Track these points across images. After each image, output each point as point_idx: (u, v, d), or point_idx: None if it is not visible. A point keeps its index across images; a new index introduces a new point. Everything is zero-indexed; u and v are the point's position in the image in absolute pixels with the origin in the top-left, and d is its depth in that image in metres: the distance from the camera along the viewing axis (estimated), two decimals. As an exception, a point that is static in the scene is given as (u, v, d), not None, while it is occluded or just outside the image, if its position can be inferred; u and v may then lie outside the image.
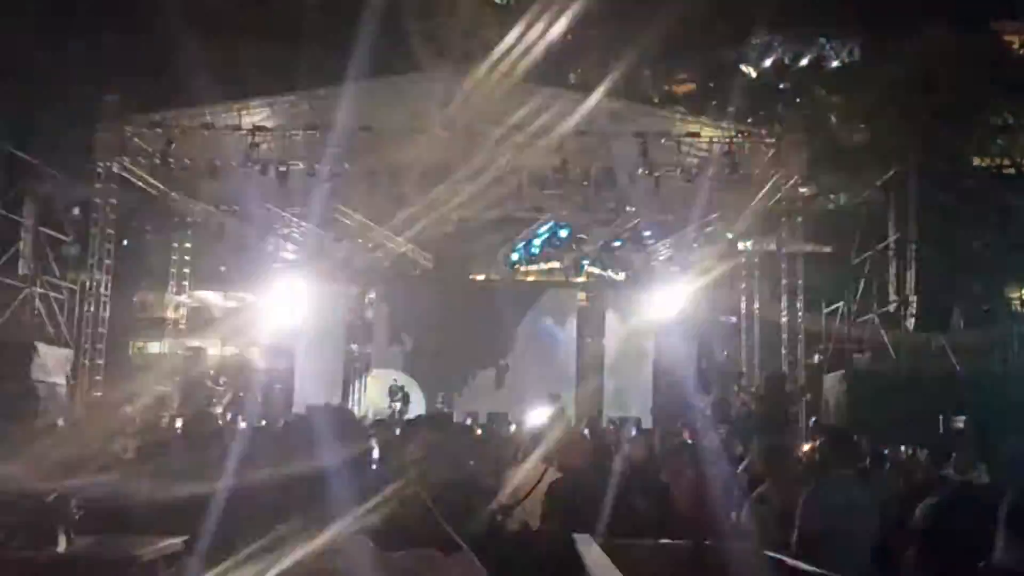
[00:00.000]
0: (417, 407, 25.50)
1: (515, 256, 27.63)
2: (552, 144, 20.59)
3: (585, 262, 27.40)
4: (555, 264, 30.64)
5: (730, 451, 9.87)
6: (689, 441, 10.49)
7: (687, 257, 25.12)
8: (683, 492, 5.86)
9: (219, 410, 22.00)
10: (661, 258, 26.50)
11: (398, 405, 24.47)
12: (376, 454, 5.64)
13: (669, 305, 27.15)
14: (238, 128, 20.78)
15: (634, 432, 17.97)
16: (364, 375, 27.05)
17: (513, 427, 19.95)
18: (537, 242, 27.22)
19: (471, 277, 32.21)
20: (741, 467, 8.24)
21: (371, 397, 26.21)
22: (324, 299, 28.88)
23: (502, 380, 28.24)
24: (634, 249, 26.16)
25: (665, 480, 6.35)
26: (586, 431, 13.93)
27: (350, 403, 27.47)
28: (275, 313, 29.59)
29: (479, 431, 16.66)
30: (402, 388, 25.43)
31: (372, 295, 30.49)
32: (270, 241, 27.71)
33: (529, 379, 27.86)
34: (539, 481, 6.14)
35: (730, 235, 23.87)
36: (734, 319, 27.44)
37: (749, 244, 26.07)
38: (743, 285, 26.91)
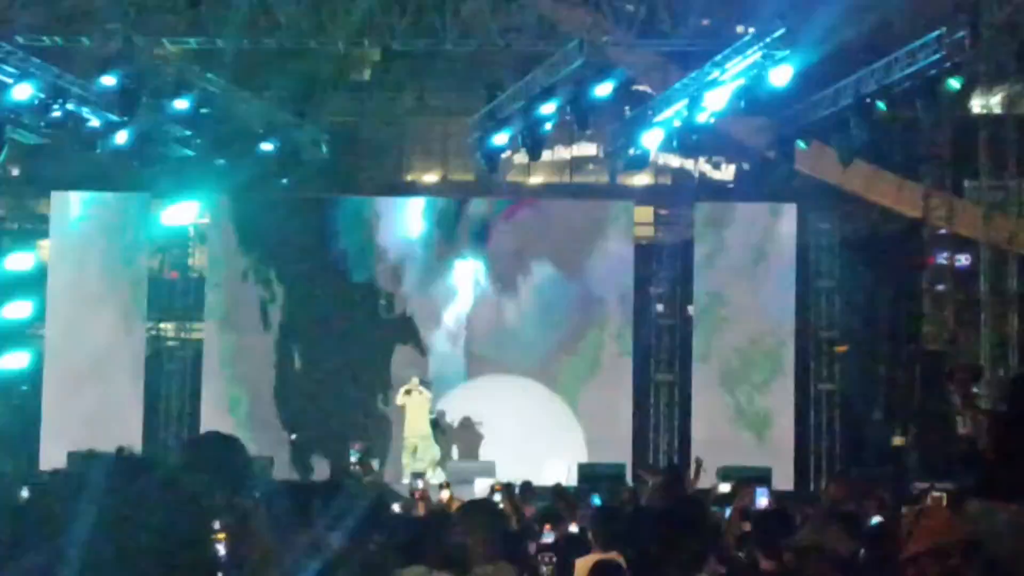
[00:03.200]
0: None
1: (500, 136, 26.99)
2: None
3: (648, 143, 26.75)
4: (587, 150, 30.04)
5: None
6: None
7: (862, 127, 24.47)
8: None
9: None
10: (808, 128, 25.84)
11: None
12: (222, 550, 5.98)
13: (825, 231, 26.48)
14: None
15: (764, 499, 17.44)
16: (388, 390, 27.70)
17: (487, 484, 19.92)
18: (548, 106, 26.53)
19: (406, 179, 31.49)
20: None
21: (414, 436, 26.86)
22: (95, 223, 28.23)
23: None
24: (752, 112, 25.65)
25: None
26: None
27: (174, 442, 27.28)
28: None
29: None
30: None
31: (204, 217, 29.81)
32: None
33: (522, 378, 27.75)
34: None
35: (956, 83, 23.18)
36: (965, 258, 27.02)
37: (996, 100, 25.46)
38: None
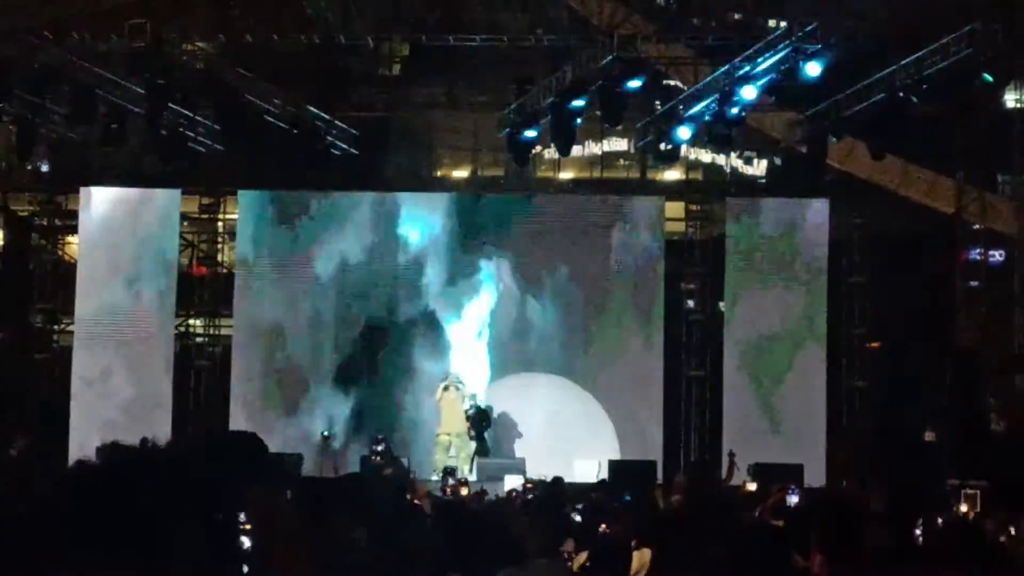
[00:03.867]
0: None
1: (530, 131, 26.92)
2: None
3: (682, 136, 26.63)
4: (617, 145, 29.85)
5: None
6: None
7: (894, 122, 24.28)
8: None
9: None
10: (840, 123, 25.74)
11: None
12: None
13: (857, 226, 26.36)
14: None
15: (794, 498, 17.30)
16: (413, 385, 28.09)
17: (517, 481, 19.84)
18: (578, 101, 26.44)
19: (435, 174, 31.33)
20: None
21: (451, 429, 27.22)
22: (124, 218, 28.39)
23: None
24: (784, 107, 25.43)
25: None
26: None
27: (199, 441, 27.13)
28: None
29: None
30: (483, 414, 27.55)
31: (235, 215, 29.80)
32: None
33: (551, 375, 27.69)
34: None
35: (989, 77, 23.02)
36: (999, 253, 26.91)
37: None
38: None
